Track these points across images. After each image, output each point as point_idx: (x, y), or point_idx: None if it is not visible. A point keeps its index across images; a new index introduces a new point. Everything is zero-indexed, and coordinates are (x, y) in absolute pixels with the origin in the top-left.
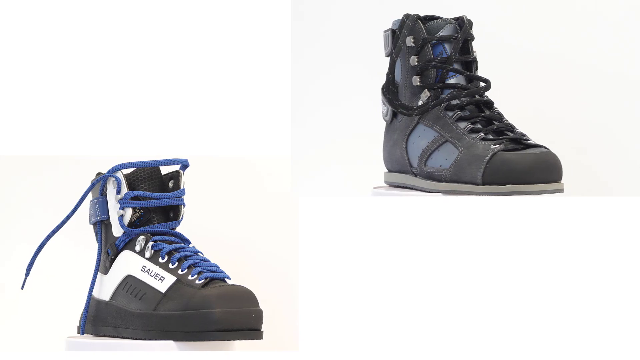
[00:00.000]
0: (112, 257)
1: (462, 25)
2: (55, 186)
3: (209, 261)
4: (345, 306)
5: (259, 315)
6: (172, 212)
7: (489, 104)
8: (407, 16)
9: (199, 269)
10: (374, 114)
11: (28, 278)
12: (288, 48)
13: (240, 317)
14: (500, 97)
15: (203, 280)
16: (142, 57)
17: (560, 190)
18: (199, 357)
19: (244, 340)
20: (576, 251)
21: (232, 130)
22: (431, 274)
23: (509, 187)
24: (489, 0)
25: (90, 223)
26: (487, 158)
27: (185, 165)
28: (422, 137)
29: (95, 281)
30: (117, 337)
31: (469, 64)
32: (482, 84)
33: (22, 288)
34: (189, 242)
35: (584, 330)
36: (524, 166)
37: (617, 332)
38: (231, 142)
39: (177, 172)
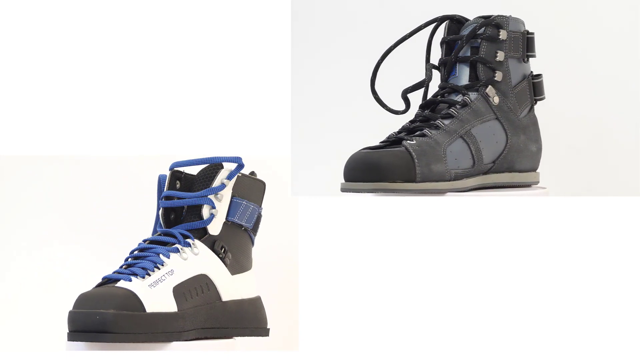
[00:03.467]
0: None
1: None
2: (55, 187)
3: (158, 264)
4: (346, 306)
5: (106, 318)
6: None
7: (455, 104)
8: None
9: (119, 270)
10: (374, 113)
11: (24, 280)
12: (288, 48)
13: (84, 318)
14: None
15: (102, 281)
16: (141, 57)
17: (377, 190)
18: (202, 357)
19: (91, 342)
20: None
21: (231, 130)
22: (431, 274)
23: (342, 185)
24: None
25: None
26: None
27: (240, 164)
28: None
29: None
30: None
31: (474, 63)
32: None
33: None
34: (181, 244)
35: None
36: (348, 165)
37: (598, 330)
38: (231, 142)
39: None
